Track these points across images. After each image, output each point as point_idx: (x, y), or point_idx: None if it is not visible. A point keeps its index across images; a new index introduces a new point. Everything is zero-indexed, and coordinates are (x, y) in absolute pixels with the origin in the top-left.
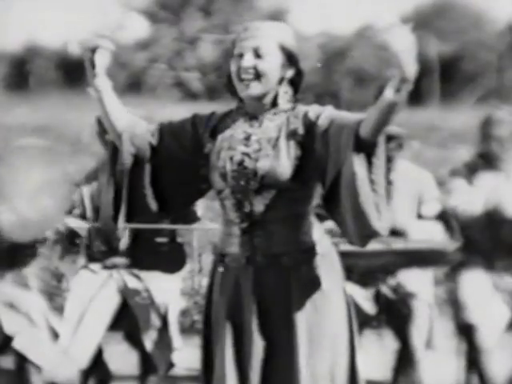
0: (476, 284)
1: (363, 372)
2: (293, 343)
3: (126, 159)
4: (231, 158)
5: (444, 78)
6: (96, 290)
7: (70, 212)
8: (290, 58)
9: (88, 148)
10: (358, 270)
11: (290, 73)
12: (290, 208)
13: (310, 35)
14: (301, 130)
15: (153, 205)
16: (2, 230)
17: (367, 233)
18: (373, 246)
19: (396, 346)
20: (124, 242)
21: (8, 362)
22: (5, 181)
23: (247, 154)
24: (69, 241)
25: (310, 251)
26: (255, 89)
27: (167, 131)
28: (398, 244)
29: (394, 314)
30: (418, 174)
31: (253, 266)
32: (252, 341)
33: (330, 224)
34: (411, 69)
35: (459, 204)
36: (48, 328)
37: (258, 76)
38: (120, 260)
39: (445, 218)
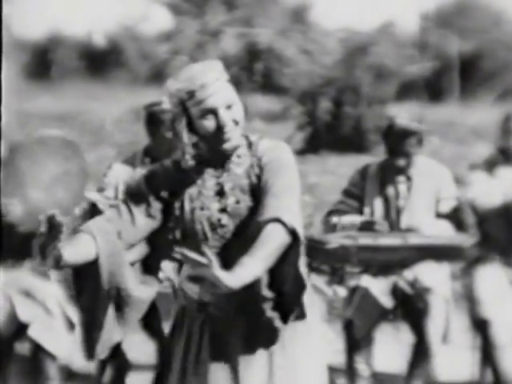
0: (492, 279)
1: (379, 364)
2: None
3: (105, 284)
4: (208, 219)
5: (464, 75)
6: None
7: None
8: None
9: (110, 137)
10: (376, 264)
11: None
12: None
13: (331, 30)
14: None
15: None
16: (12, 219)
17: None
18: (390, 240)
19: (412, 339)
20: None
21: (23, 349)
22: (21, 170)
23: (224, 211)
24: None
25: None
26: (237, 139)
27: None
28: (415, 239)
29: (411, 309)
30: (436, 170)
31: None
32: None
33: (346, 219)
34: None
35: (478, 196)
36: (63, 317)
37: (236, 126)
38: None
39: (461, 213)
